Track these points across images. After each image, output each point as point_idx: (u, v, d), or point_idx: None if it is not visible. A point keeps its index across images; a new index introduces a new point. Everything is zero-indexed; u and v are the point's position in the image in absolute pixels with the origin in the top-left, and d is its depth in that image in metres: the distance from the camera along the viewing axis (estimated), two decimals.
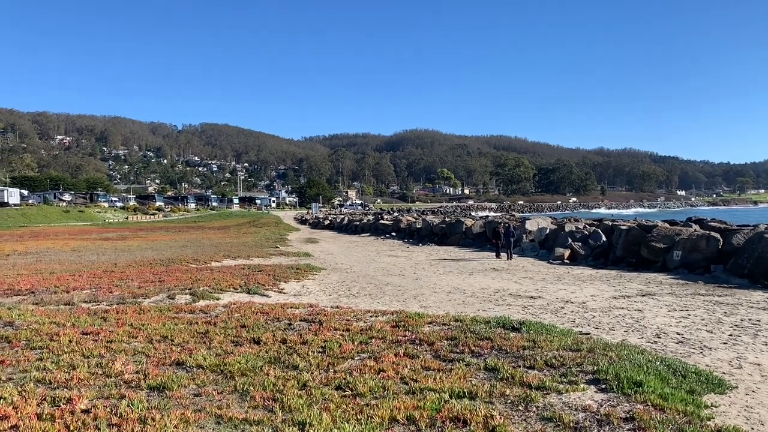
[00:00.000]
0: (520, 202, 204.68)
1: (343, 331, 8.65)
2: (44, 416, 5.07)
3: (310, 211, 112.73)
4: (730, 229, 18.88)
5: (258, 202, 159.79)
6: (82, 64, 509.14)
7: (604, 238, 22.52)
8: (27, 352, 7.41)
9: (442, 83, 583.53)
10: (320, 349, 7.50)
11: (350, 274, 18.74)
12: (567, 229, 25.25)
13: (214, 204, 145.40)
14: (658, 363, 6.69)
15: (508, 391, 5.76)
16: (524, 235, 27.81)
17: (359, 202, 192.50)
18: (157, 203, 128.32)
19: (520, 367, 6.67)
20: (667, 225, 21.61)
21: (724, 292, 13.51)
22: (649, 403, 5.37)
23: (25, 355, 7.20)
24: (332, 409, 5.22)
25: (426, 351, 7.43)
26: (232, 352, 7.34)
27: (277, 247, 31.10)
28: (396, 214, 71.76)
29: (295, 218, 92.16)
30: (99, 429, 4.82)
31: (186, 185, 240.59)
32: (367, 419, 5.00)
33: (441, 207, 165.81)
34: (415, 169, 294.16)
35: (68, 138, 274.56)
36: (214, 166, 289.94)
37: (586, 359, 6.84)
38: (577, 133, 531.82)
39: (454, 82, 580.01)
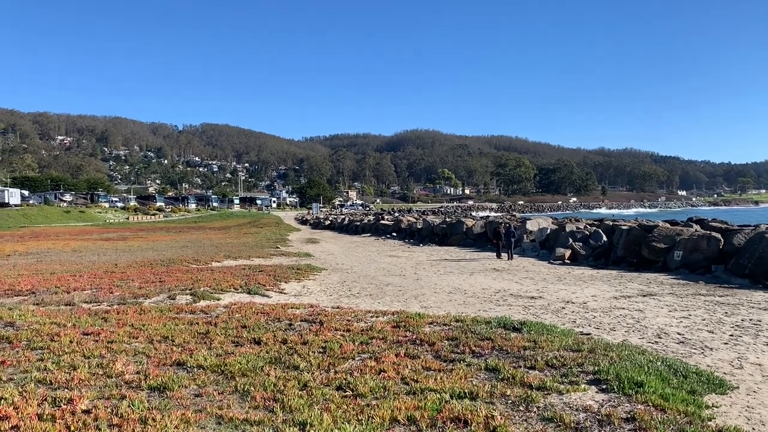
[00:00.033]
0: (521, 203, 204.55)
1: (343, 331, 8.64)
2: (45, 417, 5.07)
3: (311, 212, 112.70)
4: (731, 229, 18.86)
5: (259, 202, 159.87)
6: (82, 64, 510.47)
7: (604, 239, 22.51)
8: (28, 352, 7.41)
9: (443, 83, 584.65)
10: (321, 350, 7.50)
11: (351, 274, 18.73)
12: (568, 230, 25.24)
13: (215, 204, 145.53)
14: (659, 363, 6.69)
15: (509, 392, 5.75)
16: (525, 236, 27.80)
17: (360, 202, 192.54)
18: (158, 204, 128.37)
19: (521, 367, 6.66)
20: (668, 225, 21.61)
21: (725, 293, 13.50)
22: (650, 404, 5.37)
23: (26, 356, 7.19)
24: (333, 410, 5.22)
25: (427, 351, 7.43)
26: (232, 353, 7.34)
27: (277, 248, 31.11)
28: (397, 214, 71.78)
29: (295, 218, 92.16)
30: (100, 429, 4.82)
31: (186, 185, 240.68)
32: (368, 419, 5.00)
33: (442, 207, 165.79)
34: (416, 170, 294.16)
35: (69, 138, 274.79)
36: (214, 166, 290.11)
37: (587, 359, 6.84)
38: (577, 133, 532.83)
39: (455, 82, 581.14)
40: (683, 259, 17.89)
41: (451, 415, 5.07)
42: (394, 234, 43.41)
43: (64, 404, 5.38)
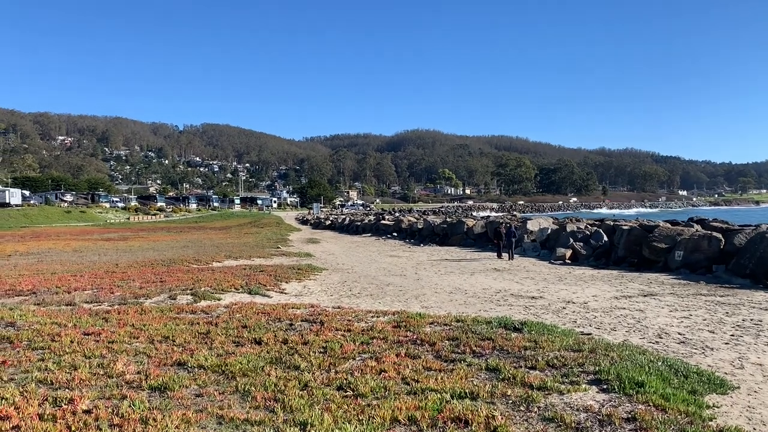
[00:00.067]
0: (522, 202, 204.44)
1: (344, 331, 8.64)
2: (46, 417, 5.07)
3: (312, 212, 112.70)
4: (732, 229, 18.85)
5: (259, 202, 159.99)
6: (82, 64, 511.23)
7: (605, 239, 22.50)
8: (28, 352, 7.41)
9: (443, 83, 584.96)
10: (321, 350, 7.50)
11: (351, 274, 18.73)
12: (568, 229, 25.22)
13: (216, 204, 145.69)
14: (660, 363, 6.68)
15: (509, 392, 5.75)
16: (526, 236, 27.79)
17: (360, 202, 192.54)
18: (159, 204, 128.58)
19: (521, 367, 6.66)
20: (668, 225, 21.59)
21: (726, 293, 13.49)
22: (651, 404, 5.36)
23: (27, 356, 7.20)
24: (333, 410, 5.22)
25: (427, 351, 7.43)
26: (233, 353, 7.34)
27: (278, 248, 31.11)
28: (397, 214, 71.82)
29: (296, 218, 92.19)
30: (100, 429, 4.83)
31: (187, 186, 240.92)
32: (369, 419, 5.00)
33: (442, 207, 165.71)
34: (417, 170, 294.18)
35: (70, 138, 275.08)
36: (215, 166, 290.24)
37: (588, 359, 6.83)
38: (578, 133, 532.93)
39: (455, 82, 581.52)
40: (684, 259, 17.88)
41: (452, 415, 5.06)
42: (395, 234, 43.41)
43: (65, 404, 5.38)
